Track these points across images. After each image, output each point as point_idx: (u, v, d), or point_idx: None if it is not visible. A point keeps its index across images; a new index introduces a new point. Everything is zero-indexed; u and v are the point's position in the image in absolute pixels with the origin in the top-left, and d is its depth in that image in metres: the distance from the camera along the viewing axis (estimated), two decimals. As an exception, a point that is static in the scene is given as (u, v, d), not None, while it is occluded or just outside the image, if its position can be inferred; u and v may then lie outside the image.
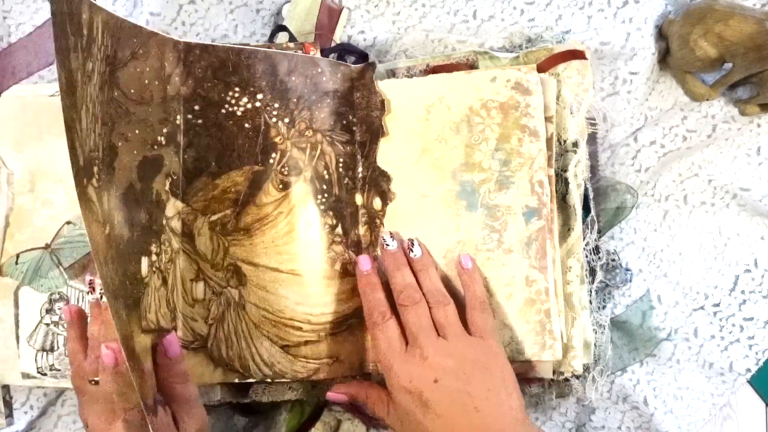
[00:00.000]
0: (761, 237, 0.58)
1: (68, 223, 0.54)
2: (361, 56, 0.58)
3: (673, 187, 0.59)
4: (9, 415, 0.57)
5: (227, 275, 0.51)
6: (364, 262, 0.50)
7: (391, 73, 0.57)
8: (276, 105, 0.52)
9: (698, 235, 0.58)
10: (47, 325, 0.54)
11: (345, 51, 0.58)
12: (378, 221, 0.52)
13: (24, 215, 0.55)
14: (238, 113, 0.52)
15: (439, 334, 0.47)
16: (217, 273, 0.51)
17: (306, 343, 0.51)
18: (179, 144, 0.51)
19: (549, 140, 0.51)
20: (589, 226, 0.53)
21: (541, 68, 0.53)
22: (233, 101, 0.52)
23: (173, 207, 0.51)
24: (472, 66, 0.56)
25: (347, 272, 0.52)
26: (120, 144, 0.46)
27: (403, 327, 0.48)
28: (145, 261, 0.47)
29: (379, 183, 0.53)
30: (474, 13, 0.60)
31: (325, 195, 0.52)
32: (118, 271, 0.44)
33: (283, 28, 0.58)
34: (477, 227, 0.51)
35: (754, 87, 0.57)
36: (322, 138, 0.52)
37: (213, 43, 0.52)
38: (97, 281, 0.45)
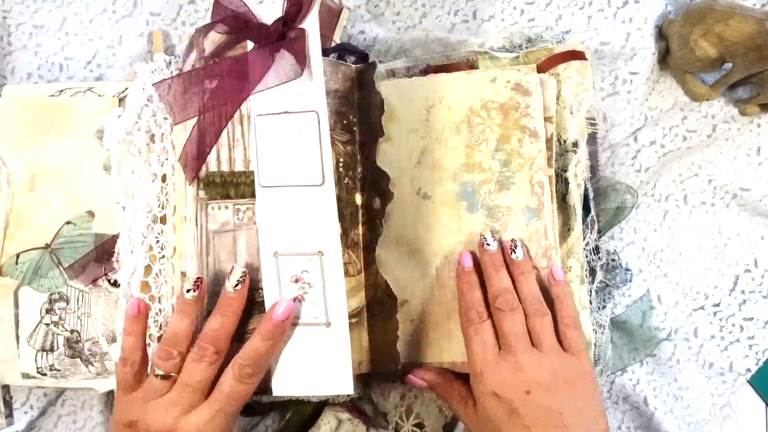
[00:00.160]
0: (761, 237, 0.58)
1: (68, 223, 0.54)
2: (361, 56, 0.58)
3: (673, 187, 0.59)
4: (9, 415, 0.57)
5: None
6: (466, 260, 0.50)
7: (391, 73, 0.57)
8: (276, 105, 0.52)
9: (698, 235, 0.58)
10: (47, 325, 0.54)
11: (345, 51, 0.58)
12: (378, 221, 0.52)
13: (24, 215, 0.55)
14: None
15: (533, 344, 0.47)
16: None
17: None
18: None
19: (549, 140, 0.51)
20: (589, 226, 0.53)
21: (541, 68, 0.53)
22: (233, 101, 0.52)
23: None
24: (472, 66, 0.56)
25: (346, 272, 0.51)
26: None
27: (497, 330, 0.47)
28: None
29: (378, 183, 0.53)
30: (474, 13, 0.60)
31: (325, 195, 0.52)
32: None
33: (283, 28, 0.58)
34: (477, 228, 0.51)
35: (754, 87, 0.57)
36: (323, 138, 0.52)
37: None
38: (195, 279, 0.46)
